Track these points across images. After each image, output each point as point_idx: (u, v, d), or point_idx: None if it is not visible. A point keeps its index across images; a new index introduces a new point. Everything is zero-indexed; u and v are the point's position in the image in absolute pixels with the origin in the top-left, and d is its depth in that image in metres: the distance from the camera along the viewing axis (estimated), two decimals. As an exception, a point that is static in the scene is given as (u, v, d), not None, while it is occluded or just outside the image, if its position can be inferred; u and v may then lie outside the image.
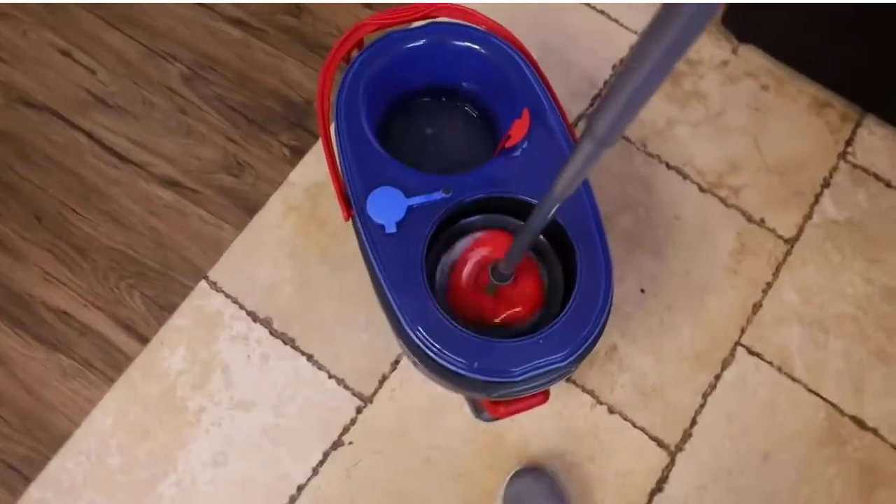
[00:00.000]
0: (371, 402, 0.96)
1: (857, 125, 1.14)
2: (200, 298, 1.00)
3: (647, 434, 0.96)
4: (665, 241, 1.06)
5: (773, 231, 1.07)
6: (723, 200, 1.09)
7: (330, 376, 0.97)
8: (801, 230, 1.08)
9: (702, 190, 1.09)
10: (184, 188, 1.07)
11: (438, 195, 0.74)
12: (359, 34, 0.81)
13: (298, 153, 1.09)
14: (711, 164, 1.11)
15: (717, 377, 0.99)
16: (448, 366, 0.68)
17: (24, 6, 1.17)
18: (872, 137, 1.13)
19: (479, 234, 0.78)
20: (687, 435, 0.96)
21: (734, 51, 1.18)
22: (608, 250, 0.74)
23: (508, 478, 0.92)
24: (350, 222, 0.79)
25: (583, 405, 0.97)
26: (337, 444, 0.94)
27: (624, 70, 0.36)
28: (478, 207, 0.77)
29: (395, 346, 0.98)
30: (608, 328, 0.73)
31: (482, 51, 0.82)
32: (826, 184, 1.10)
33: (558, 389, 0.97)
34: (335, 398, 0.96)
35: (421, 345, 0.69)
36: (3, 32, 1.16)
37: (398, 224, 0.73)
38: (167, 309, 1.00)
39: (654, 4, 0.32)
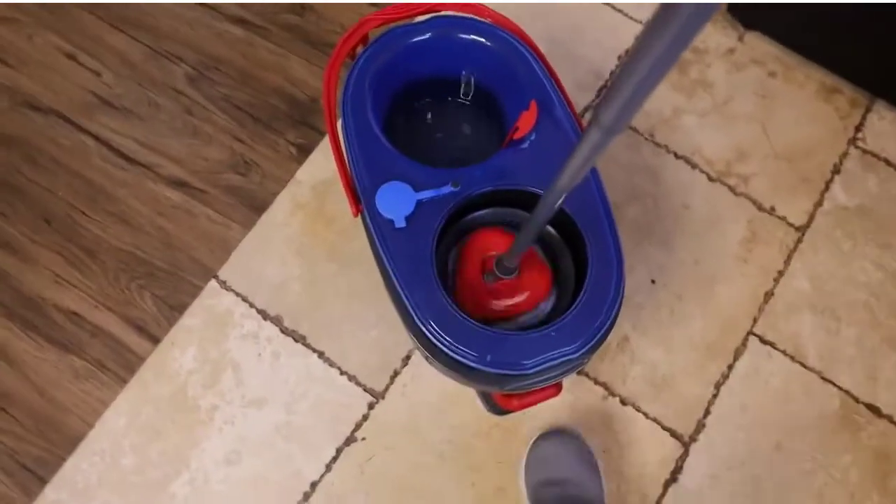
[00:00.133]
0: (383, 397, 0.96)
1: (867, 110, 1.13)
2: (210, 298, 1.01)
3: (660, 425, 0.96)
4: (674, 231, 1.06)
5: (783, 219, 1.07)
6: (732, 189, 1.08)
7: (341, 373, 0.97)
8: (811, 217, 1.07)
9: (710, 179, 1.09)
10: (191, 188, 1.07)
11: (447, 189, 0.74)
12: (363, 30, 0.81)
13: (305, 151, 1.09)
14: (720, 152, 1.10)
15: (730, 367, 0.99)
16: (460, 359, 0.68)
17: (30, 10, 1.17)
18: (882, 122, 1.13)
19: (482, 231, 0.78)
20: (700, 425, 0.96)
21: (740, 38, 1.18)
22: (619, 241, 0.73)
23: (532, 441, 0.91)
24: (358, 219, 0.79)
25: (595, 397, 0.97)
26: (349, 441, 0.94)
27: (628, 60, 0.37)
28: (486, 201, 0.77)
29: (405, 342, 0.98)
30: (619, 320, 0.73)
31: (488, 43, 0.82)
32: (836, 170, 1.10)
33: (570, 382, 0.97)
34: (347, 394, 0.96)
35: (433, 339, 0.69)
36: (8, 37, 1.16)
37: (407, 218, 0.72)
38: (177, 309, 1.00)
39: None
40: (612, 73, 1.15)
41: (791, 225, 1.06)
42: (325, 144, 1.10)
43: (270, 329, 0.99)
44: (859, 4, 0.98)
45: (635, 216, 1.06)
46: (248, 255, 1.03)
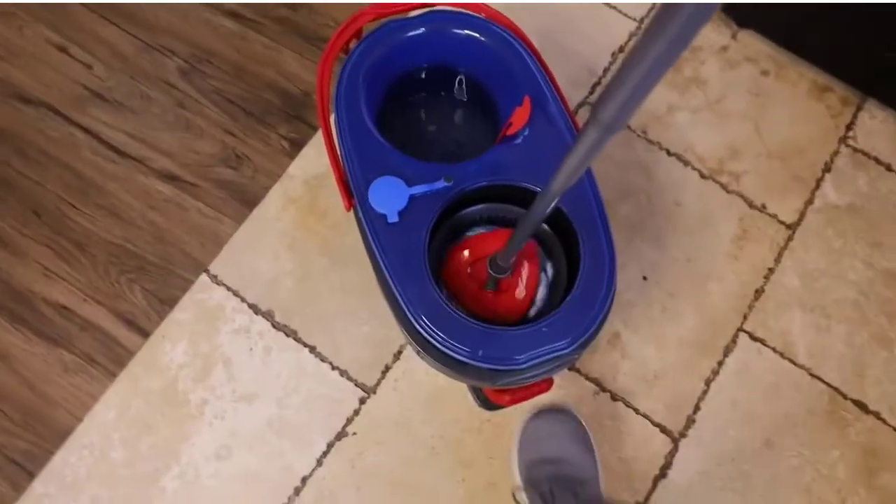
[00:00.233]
0: (374, 392, 0.96)
1: (858, 109, 1.14)
2: (201, 292, 1.00)
3: (650, 421, 0.96)
4: (666, 228, 1.06)
5: (774, 217, 1.07)
6: (724, 187, 1.09)
7: (333, 368, 0.97)
8: (802, 215, 1.07)
9: (703, 176, 1.09)
10: (183, 182, 1.06)
11: (440, 184, 0.74)
12: (357, 24, 0.81)
13: (297, 145, 1.09)
14: (712, 150, 1.11)
15: (720, 363, 0.99)
16: (452, 354, 0.68)
17: (21, 2, 1.16)
18: (873, 121, 1.13)
19: (478, 230, 0.78)
20: (690, 421, 0.97)
21: (734, 36, 1.18)
22: (611, 238, 0.74)
23: (525, 419, 0.90)
24: (351, 214, 0.79)
25: (586, 393, 0.97)
26: (341, 435, 0.94)
27: (628, 59, 0.37)
28: (480, 196, 0.77)
29: (397, 337, 0.98)
30: (611, 316, 0.73)
31: (482, 39, 0.82)
32: (827, 168, 1.10)
33: (562, 377, 0.97)
34: (338, 389, 0.96)
35: (424, 333, 0.69)
36: (-3, 28, 1.15)
37: (400, 213, 0.72)
38: (168, 303, 1.00)
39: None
40: (605, 69, 1.15)
41: (782, 223, 1.07)
42: (318, 139, 1.09)
43: (262, 323, 0.99)
44: (851, 4, 0.98)
45: (628, 213, 1.06)
46: (240, 249, 1.02)
